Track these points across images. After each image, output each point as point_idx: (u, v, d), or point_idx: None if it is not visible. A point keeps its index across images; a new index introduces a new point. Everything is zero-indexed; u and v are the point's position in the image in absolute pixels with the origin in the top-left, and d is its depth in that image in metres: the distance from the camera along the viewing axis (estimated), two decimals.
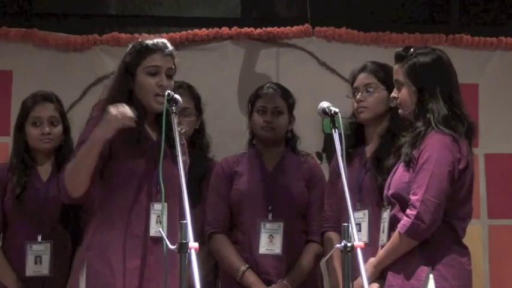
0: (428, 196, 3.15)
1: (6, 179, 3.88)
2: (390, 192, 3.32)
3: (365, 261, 3.06)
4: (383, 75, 3.72)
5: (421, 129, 3.26)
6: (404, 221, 3.19)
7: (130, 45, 3.42)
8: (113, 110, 3.20)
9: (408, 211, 3.19)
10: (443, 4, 5.37)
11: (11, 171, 3.88)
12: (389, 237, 3.30)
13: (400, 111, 3.38)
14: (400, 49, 3.39)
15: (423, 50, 3.37)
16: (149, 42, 3.37)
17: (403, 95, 3.34)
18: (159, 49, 3.35)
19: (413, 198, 3.19)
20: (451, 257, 3.21)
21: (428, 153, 3.20)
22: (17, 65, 4.72)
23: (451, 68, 3.35)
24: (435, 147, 3.20)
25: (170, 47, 3.39)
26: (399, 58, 3.36)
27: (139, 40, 3.42)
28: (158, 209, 3.25)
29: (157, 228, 3.22)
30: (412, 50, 3.35)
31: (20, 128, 3.91)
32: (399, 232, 3.20)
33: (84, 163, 3.22)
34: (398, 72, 3.35)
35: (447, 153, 3.20)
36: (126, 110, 3.21)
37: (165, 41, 3.41)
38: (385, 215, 3.36)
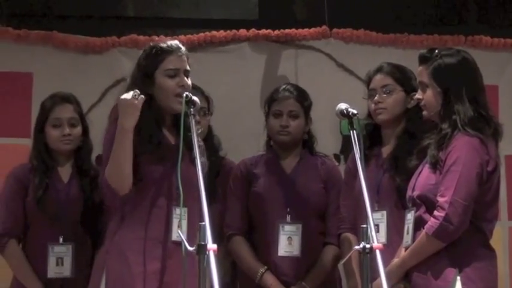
0: (457, 198, 3.15)
1: (28, 181, 3.90)
2: (416, 193, 3.32)
3: (383, 262, 3.06)
4: (400, 76, 3.74)
5: (447, 131, 3.26)
6: (432, 223, 3.19)
7: (143, 51, 3.45)
8: (124, 96, 3.23)
9: (436, 213, 3.19)
10: (462, 5, 5.35)
11: (32, 173, 3.90)
12: (414, 238, 3.30)
13: (424, 112, 3.39)
14: (424, 51, 3.40)
15: (448, 52, 3.37)
16: (163, 45, 3.41)
17: (428, 96, 3.34)
18: (174, 50, 3.39)
19: (441, 199, 3.19)
20: (479, 260, 3.21)
21: (456, 155, 3.20)
22: (37, 67, 4.75)
23: (476, 70, 3.36)
24: (463, 149, 3.20)
25: (183, 48, 3.43)
26: (424, 59, 3.36)
27: (152, 44, 3.46)
28: (179, 214, 3.26)
29: (178, 233, 3.24)
30: (436, 51, 3.35)
31: (40, 129, 3.94)
32: (426, 233, 3.20)
33: (122, 155, 3.23)
34: (423, 74, 3.36)
35: (475, 155, 3.20)
36: (134, 91, 3.23)
37: (177, 42, 3.45)
38: (410, 216, 3.36)
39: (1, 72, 4.72)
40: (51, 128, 3.91)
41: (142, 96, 3.23)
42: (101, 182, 3.31)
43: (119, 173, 3.23)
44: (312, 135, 4.08)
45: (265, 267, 3.87)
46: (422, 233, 3.23)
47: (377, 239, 3.08)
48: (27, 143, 4.30)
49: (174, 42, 3.43)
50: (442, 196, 3.19)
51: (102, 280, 3.34)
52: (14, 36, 4.73)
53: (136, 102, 3.20)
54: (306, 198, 3.94)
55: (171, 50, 3.39)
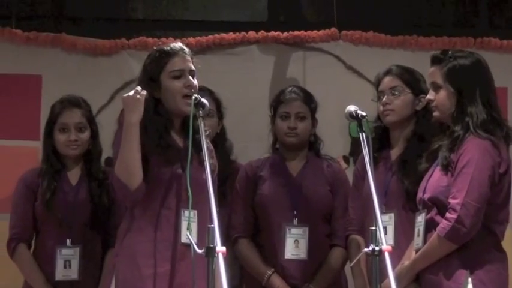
0: (469, 200, 3.16)
1: (36, 185, 3.92)
2: (427, 196, 3.32)
3: (391, 264, 3.06)
4: (408, 78, 3.74)
5: (460, 133, 3.26)
6: (444, 225, 3.19)
7: (147, 56, 3.46)
8: (126, 94, 3.27)
9: (448, 215, 3.20)
10: (471, 7, 5.35)
11: (41, 176, 3.93)
12: (425, 240, 3.31)
13: (435, 113, 3.39)
14: (437, 51, 3.41)
15: (462, 53, 3.39)
16: (166, 48, 3.42)
17: (440, 97, 3.35)
18: (177, 52, 3.40)
19: (453, 201, 3.19)
20: (490, 262, 3.21)
21: (468, 157, 3.20)
22: (46, 70, 4.77)
23: (489, 72, 3.38)
24: (475, 151, 3.20)
25: (187, 48, 3.44)
26: (437, 60, 3.37)
27: (155, 48, 3.47)
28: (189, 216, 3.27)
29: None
30: (450, 52, 3.37)
31: (49, 133, 3.96)
32: (438, 235, 3.21)
33: (130, 149, 3.23)
34: (436, 75, 3.36)
35: (487, 157, 3.21)
36: (135, 89, 3.26)
37: (180, 43, 3.47)
38: (420, 219, 3.36)
39: (10, 75, 4.75)
40: (58, 133, 3.93)
41: (145, 91, 3.26)
42: (111, 178, 3.31)
43: (128, 167, 3.23)
44: (317, 137, 4.09)
45: (272, 269, 3.89)
46: (434, 235, 3.24)
47: (385, 242, 3.08)
48: (37, 145, 4.33)
49: (177, 44, 3.44)
50: (454, 198, 3.19)
51: (112, 282, 3.35)
52: (23, 38, 4.75)
53: (138, 96, 3.23)
54: (312, 201, 3.94)
55: (174, 52, 3.40)
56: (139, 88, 3.26)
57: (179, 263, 3.29)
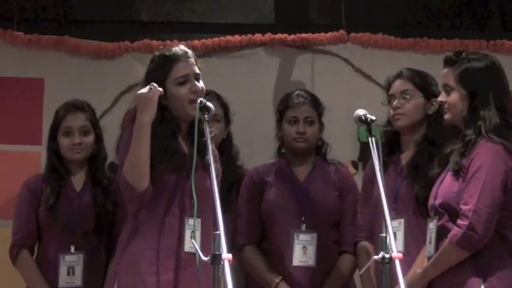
0: (480, 206, 3.13)
1: (40, 190, 3.93)
2: (438, 202, 3.30)
3: (401, 271, 3.03)
4: (420, 81, 3.74)
5: (472, 137, 3.24)
6: (456, 232, 3.17)
7: (150, 61, 3.45)
8: (140, 92, 3.25)
9: (459, 221, 3.17)
10: (484, 9, 5.32)
11: (44, 182, 3.92)
12: (437, 248, 3.28)
13: (446, 116, 3.37)
14: (450, 53, 3.39)
15: (476, 55, 3.37)
16: (169, 53, 3.41)
17: (452, 99, 3.33)
18: (181, 57, 3.39)
19: (464, 208, 3.17)
20: (504, 269, 3.18)
21: (480, 162, 3.18)
22: (49, 73, 4.75)
23: (503, 75, 3.36)
24: (487, 155, 3.18)
25: (190, 51, 3.42)
26: (450, 62, 3.35)
27: (157, 54, 3.46)
28: (192, 225, 3.25)
29: (191, 244, 3.22)
30: (463, 54, 3.35)
31: (53, 137, 3.97)
32: (450, 243, 3.19)
33: (140, 150, 3.23)
34: (448, 77, 3.34)
35: (500, 161, 3.19)
36: (150, 85, 3.24)
37: (182, 47, 3.45)
38: (432, 226, 3.34)
39: (12, 78, 4.73)
40: (62, 137, 3.93)
41: (159, 88, 3.24)
42: (118, 180, 3.30)
43: (137, 167, 3.22)
44: (324, 142, 4.07)
45: (280, 277, 3.86)
46: (446, 242, 3.21)
47: (396, 248, 3.06)
48: (39, 150, 4.32)
49: (180, 48, 3.42)
50: (465, 204, 3.17)
51: None
52: (25, 41, 4.74)
53: (152, 95, 3.21)
54: (320, 207, 3.93)
55: (177, 57, 3.38)
56: (154, 85, 3.24)
57: (182, 272, 3.27)
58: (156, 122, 3.27)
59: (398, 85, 3.74)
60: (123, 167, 3.26)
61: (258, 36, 4.85)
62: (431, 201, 3.36)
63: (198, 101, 3.23)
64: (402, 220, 3.60)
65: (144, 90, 3.24)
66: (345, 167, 4.27)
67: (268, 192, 3.99)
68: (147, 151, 3.24)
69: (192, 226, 3.23)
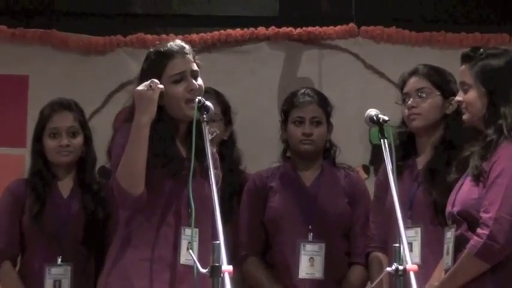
0: (502, 214, 3.12)
1: (24, 196, 3.90)
2: (456, 209, 3.27)
3: (417, 285, 3.01)
4: (437, 79, 3.72)
5: (492, 138, 3.22)
6: (475, 242, 3.15)
7: (144, 59, 3.41)
8: (139, 88, 3.22)
9: (479, 230, 3.14)
10: (505, 1, 5.31)
11: (29, 187, 3.88)
12: (455, 259, 3.25)
13: (465, 116, 3.34)
14: (467, 49, 3.38)
15: (494, 51, 3.36)
16: (164, 48, 3.37)
17: (470, 97, 3.31)
18: (177, 53, 3.35)
19: (485, 216, 3.14)
20: None
21: (501, 166, 3.16)
22: (34, 70, 4.78)
23: None
24: (509, 159, 3.16)
25: (187, 46, 3.39)
26: (467, 58, 3.34)
27: (152, 50, 3.42)
28: (189, 235, 3.22)
29: (188, 255, 3.19)
30: (482, 50, 3.34)
31: (38, 139, 3.93)
32: (469, 253, 3.16)
33: (136, 152, 3.19)
34: (466, 74, 3.33)
35: None
36: (150, 81, 3.21)
37: (179, 42, 3.41)
38: (450, 235, 3.31)
39: None
40: (48, 138, 3.90)
41: (160, 85, 3.20)
42: (111, 184, 3.26)
43: (132, 171, 3.18)
44: (333, 144, 4.04)
45: None
46: (464, 253, 3.18)
47: (411, 260, 3.02)
48: (23, 153, 4.31)
49: (176, 43, 3.38)
50: (486, 212, 3.14)
51: None
52: (9, 35, 4.76)
53: (151, 93, 3.18)
54: (329, 214, 3.92)
55: (173, 53, 3.34)
56: (154, 81, 3.20)
57: (178, 286, 3.23)
58: (152, 123, 3.23)
59: (413, 83, 3.72)
60: (117, 171, 3.21)
61: (261, 29, 4.86)
62: (449, 208, 3.33)
63: (196, 100, 3.19)
64: (418, 229, 3.59)
65: (144, 86, 3.20)
66: (356, 171, 4.28)
67: (272, 198, 3.97)
68: (144, 154, 3.19)
69: (189, 236, 3.20)
